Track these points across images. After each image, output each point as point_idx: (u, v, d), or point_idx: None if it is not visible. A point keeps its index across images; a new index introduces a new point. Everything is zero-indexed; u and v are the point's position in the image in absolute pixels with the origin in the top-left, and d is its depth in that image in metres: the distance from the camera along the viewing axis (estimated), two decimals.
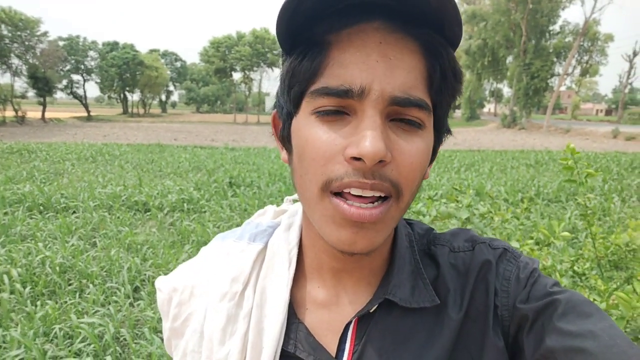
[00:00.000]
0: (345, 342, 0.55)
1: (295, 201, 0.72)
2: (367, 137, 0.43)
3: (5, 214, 5.74)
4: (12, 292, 3.61)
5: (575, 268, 2.02)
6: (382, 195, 0.46)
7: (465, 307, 0.55)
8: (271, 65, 44.78)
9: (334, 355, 0.54)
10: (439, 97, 0.49)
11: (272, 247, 0.61)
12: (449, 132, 0.56)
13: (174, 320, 0.62)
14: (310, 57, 0.46)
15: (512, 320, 0.52)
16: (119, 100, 56.02)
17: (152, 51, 59.64)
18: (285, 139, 0.53)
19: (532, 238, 1.90)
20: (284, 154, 0.56)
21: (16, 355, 2.78)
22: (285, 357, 0.55)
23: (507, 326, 0.53)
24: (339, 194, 0.46)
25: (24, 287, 3.70)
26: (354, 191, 0.45)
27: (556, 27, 37.11)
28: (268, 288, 0.58)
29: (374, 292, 0.57)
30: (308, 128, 0.47)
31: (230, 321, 0.57)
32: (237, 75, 47.83)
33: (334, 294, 0.58)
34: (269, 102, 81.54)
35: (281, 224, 0.64)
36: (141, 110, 58.69)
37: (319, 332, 0.56)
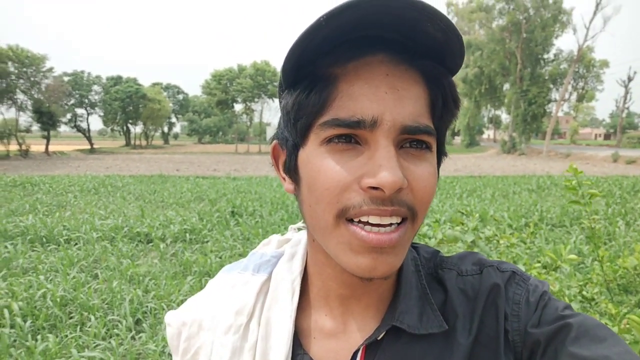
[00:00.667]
0: None
1: (299, 229, 0.72)
2: (385, 167, 0.44)
3: (6, 247, 5.71)
4: (12, 327, 3.56)
5: (584, 293, 2.00)
6: (400, 220, 0.47)
7: (474, 332, 0.54)
8: (272, 96, 45.40)
9: None
10: (440, 123, 0.51)
11: (276, 277, 0.61)
12: (445, 154, 0.58)
13: (183, 354, 0.62)
14: (318, 90, 0.47)
15: (525, 345, 0.51)
16: (121, 133, 56.58)
17: (154, 84, 60.65)
18: (292, 170, 0.54)
19: (539, 262, 1.89)
20: (287, 185, 0.56)
21: None
22: None
23: (519, 352, 0.52)
24: (354, 221, 0.46)
25: (25, 321, 3.64)
26: (372, 219, 0.45)
27: (550, 55, 37.88)
28: (272, 319, 0.58)
29: (381, 318, 0.57)
30: (319, 159, 0.48)
31: (236, 354, 0.57)
32: (238, 107, 48.45)
33: (341, 322, 0.58)
34: (270, 132, 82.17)
35: (284, 253, 0.65)
36: (144, 142, 59.19)
37: None
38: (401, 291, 0.56)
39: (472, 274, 0.58)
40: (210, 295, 0.64)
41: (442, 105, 0.50)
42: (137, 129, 57.33)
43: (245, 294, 0.61)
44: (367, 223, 0.46)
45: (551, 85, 37.30)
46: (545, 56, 37.31)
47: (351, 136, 0.46)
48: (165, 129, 70.51)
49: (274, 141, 0.58)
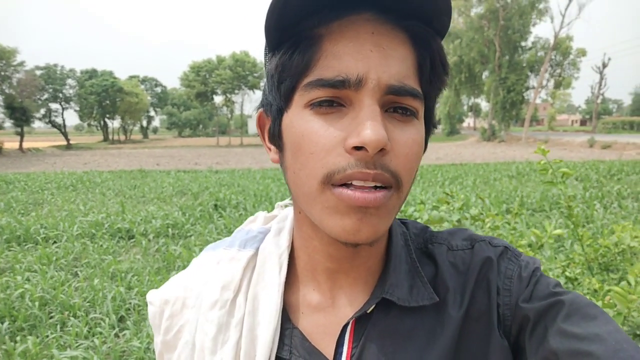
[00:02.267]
0: (342, 345, 0.53)
1: (286, 206, 0.71)
2: (368, 125, 0.42)
3: None
4: None
5: (567, 273, 2.02)
6: (384, 185, 0.46)
7: (465, 305, 0.53)
8: (252, 87, 44.99)
9: (331, 359, 0.53)
10: (429, 88, 0.49)
11: (263, 253, 0.60)
12: (435, 125, 0.56)
13: (165, 333, 0.60)
14: (301, 50, 0.45)
15: (514, 319, 0.51)
16: (99, 128, 55.31)
17: (131, 77, 59.41)
18: (275, 136, 0.52)
19: (523, 240, 1.90)
20: (272, 154, 0.54)
21: None
22: None
23: (508, 325, 0.52)
24: (339, 186, 0.45)
25: (2, 323, 3.54)
26: (356, 182, 0.44)
27: (528, 43, 38.41)
28: (260, 294, 0.57)
29: (370, 291, 0.56)
30: (303, 122, 0.46)
31: (222, 330, 0.55)
32: (218, 99, 47.92)
33: (329, 296, 0.57)
34: (252, 124, 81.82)
35: (271, 229, 0.64)
36: (122, 137, 58.10)
37: (315, 337, 0.55)
38: (390, 264, 0.55)
39: (462, 249, 0.58)
40: (194, 273, 0.63)
41: (430, 69, 0.48)
42: (114, 124, 56.31)
43: (232, 270, 0.59)
44: (351, 185, 0.44)
45: (529, 73, 37.90)
46: (523, 44, 37.81)
47: (334, 100, 0.45)
48: (144, 123, 69.30)
49: (259, 109, 0.56)
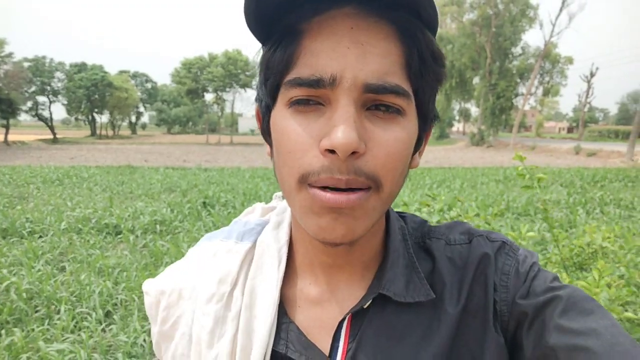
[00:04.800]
0: (338, 340, 0.53)
1: (284, 198, 0.72)
2: (339, 127, 0.41)
3: None
4: None
5: None
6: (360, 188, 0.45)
7: (463, 301, 0.53)
8: (244, 86, 44.87)
9: (327, 354, 0.53)
10: (420, 82, 0.47)
11: (261, 246, 0.60)
12: (436, 118, 0.54)
13: (162, 323, 0.60)
14: (283, 47, 0.45)
15: (511, 316, 0.51)
16: (86, 122, 54.72)
17: (121, 72, 58.75)
18: (265, 132, 0.52)
19: None
20: (267, 148, 0.54)
21: None
22: (276, 358, 0.54)
23: (506, 322, 0.52)
24: (314, 187, 0.45)
25: None
26: (331, 187, 0.44)
27: (518, 50, 38.95)
28: (257, 288, 0.56)
29: (367, 287, 0.55)
30: (284, 120, 0.46)
31: (219, 323, 0.55)
32: (209, 96, 47.63)
33: (326, 290, 0.56)
34: (242, 123, 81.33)
35: (270, 221, 0.63)
36: (110, 132, 57.43)
37: (311, 331, 0.55)
38: (388, 259, 0.55)
39: (460, 243, 0.57)
40: (190, 264, 0.62)
41: (420, 62, 0.46)
42: (103, 119, 55.58)
43: (229, 262, 0.59)
44: (326, 188, 0.44)
45: (518, 80, 38.43)
46: (514, 50, 38.36)
47: (311, 99, 0.44)
48: (133, 119, 68.63)
49: (257, 103, 0.56)
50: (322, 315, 0.56)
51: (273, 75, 0.46)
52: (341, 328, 0.53)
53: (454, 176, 13.82)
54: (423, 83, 0.47)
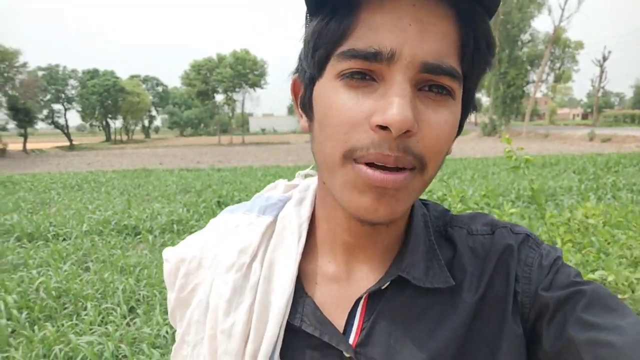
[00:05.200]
0: (354, 318, 0.54)
1: (306, 176, 0.72)
2: (395, 104, 0.41)
3: None
4: (9, 319, 3.66)
5: None
6: (406, 167, 0.45)
7: (482, 290, 0.53)
8: (253, 85, 45.18)
9: (341, 331, 0.53)
10: (470, 68, 0.47)
11: (283, 221, 0.60)
12: (475, 107, 0.54)
13: (180, 290, 0.61)
14: (338, 18, 0.44)
15: (532, 307, 0.51)
16: (101, 128, 55.74)
17: (132, 77, 59.72)
18: (306, 105, 0.51)
19: None
20: (303, 121, 0.54)
21: None
22: (290, 330, 0.54)
23: (526, 313, 0.52)
24: (359, 162, 0.45)
25: (21, 313, 3.75)
26: (377, 163, 0.44)
27: (527, 36, 38.46)
28: (276, 261, 0.57)
29: (386, 269, 0.56)
30: (332, 93, 0.45)
31: (237, 293, 0.56)
32: (219, 97, 48.14)
33: (344, 269, 0.57)
34: (253, 123, 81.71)
35: (292, 197, 0.63)
36: (124, 137, 58.43)
37: (327, 307, 0.55)
38: (409, 244, 0.55)
39: (482, 234, 0.57)
40: (211, 234, 0.63)
41: (474, 48, 0.45)
42: (116, 124, 56.57)
43: (250, 234, 0.60)
44: (372, 164, 0.44)
45: (529, 67, 38.02)
46: (523, 37, 37.89)
47: (366, 73, 0.44)
48: (146, 123, 69.66)
49: (295, 75, 0.55)
50: (339, 293, 0.56)
51: (324, 45, 0.45)
52: (357, 307, 0.54)
53: (465, 167, 13.84)
54: (472, 69, 0.47)
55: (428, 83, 0.44)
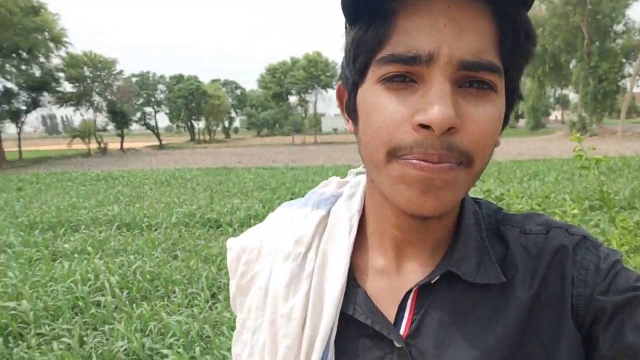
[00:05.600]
0: (404, 311, 0.54)
1: (358, 174, 0.73)
2: (436, 103, 0.42)
3: (101, 232, 6.54)
4: (113, 296, 4.19)
5: None
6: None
7: (535, 288, 0.52)
8: (325, 86, 45.79)
9: (392, 321, 0.54)
10: (511, 60, 0.47)
11: (335, 214, 0.62)
12: (520, 97, 0.54)
13: (241, 277, 0.64)
14: (376, 25, 0.46)
15: (588, 311, 0.50)
16: (186, 129, 59.91)
17: (213, 81, 63.24)
18: (351, 109, 0.53)
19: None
20: (349, 125, 0.55)
21: (121, 346, 3.27)
22: (343, 319, 0.56)
23: (582, 317, 0.50)
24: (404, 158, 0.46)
25: (122, 292, 4.27)
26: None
27: (621, 27, 34.86)
28: (329, 252, 0.59)
29: (436, 264, 0.56)
30: (374, 97, 0.47)
31: (294, 280, 0.58)
32: (293, 99, 49.41)
33: (394, 263, 0.58)
34: (325, 122, 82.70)
35: (344, 193, 0.66)
36: (207, 137, 62.03)
37: (378, 299, 0.56)
38: (460, 239, 0.55)
39: (536, 233, 0.56)
40: (270, 226, 0.67)
41: (513, 41, 0.46)
42: (200, 125, 60.29)
43: (305, 226, 0.62)
44: (417, 159, 0.44)
45: (624, 60, 34.40)
46: (615, 28, 34.43)
47: (406, 75, 0.45)
48: (226, 124, 73.39)
49: (339, 82, 0.57)
50: (389, 286, 0.57)
51: (364, 53, 0.47)
52: (407, 299, 0.54)
53: (549, 168, 13.00)
54: (513, 61, 0.48)
55: (468, 79, 0.45)
